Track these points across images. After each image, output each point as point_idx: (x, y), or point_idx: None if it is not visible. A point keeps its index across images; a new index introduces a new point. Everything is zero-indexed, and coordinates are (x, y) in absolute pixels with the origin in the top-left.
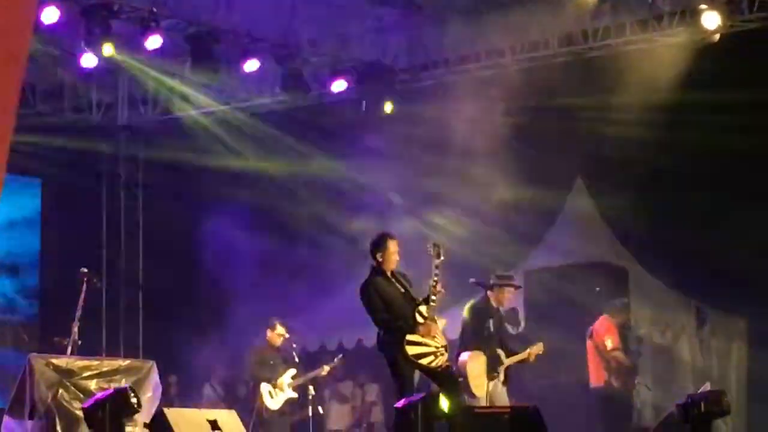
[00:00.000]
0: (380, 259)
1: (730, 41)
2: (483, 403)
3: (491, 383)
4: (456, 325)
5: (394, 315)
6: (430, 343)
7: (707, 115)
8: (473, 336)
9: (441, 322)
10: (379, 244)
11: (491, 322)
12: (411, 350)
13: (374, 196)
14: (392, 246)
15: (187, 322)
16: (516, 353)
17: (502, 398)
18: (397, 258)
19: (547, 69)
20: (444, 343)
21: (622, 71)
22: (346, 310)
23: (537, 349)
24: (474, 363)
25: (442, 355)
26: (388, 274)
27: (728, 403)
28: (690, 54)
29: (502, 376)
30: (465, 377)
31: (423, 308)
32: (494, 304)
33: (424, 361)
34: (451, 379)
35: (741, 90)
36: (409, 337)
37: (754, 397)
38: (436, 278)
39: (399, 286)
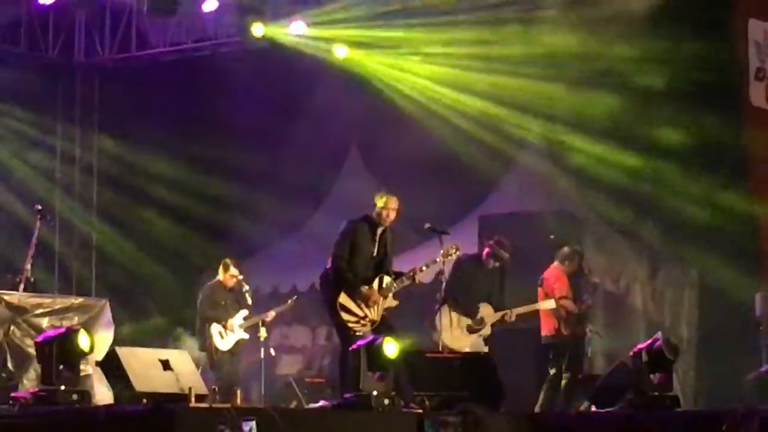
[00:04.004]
0: (376, 210)
1: None
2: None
3: (473, 337)
4: None
5: (353, 262)
6: (363, 308)
7: (661, 60)
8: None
9: (391, 303)
10: (381, 197)
11: (480, 276)
12: (342, 299)
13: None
14: (391, 203)
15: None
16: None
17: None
18: (392, 217)
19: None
20: (375, 318)
21: (578, 19)
22: (301, 253)
23: (546, 304)
24: (443, 317)
25: (364, 326)
26: (379, 229)
27: (672, 352)
28: (650, 3)
29: (487, 331)
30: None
31: (387, 279)
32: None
33: (344, 316)
34: (388, 329)
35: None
36: (348, 290)
37: (704, 346)
38: (426, 267)
39: (378, 247)
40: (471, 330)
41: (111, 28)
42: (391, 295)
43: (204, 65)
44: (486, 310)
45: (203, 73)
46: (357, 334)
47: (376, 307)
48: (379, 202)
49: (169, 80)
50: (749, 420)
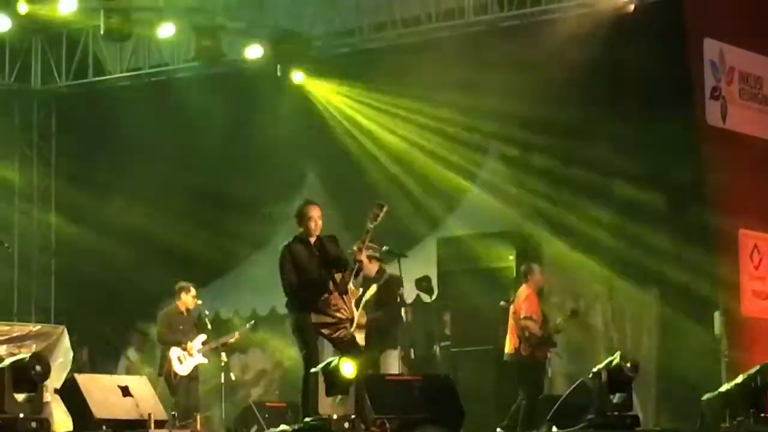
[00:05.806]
0: (301, 227)
1: (644, 11)
2: None
3: None
4: None
5: (304, 281)
6: (334, 314)
7: (620, 85)
8: None
9: (356, 294)
10: (299, 211)
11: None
12: (314, 318)
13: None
14: (311, 212)
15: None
16: None
17: None
18: (319, 224)
19: (462, 37)
20: (349, 315)
21: (536, 39)
22: (261, 277)
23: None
24: None
25: (343, 328)
26: (311, 241)
27: (630, 372)
28: (605, 23)
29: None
30: None
31: (338, 276)
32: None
33: (324, 331)
34: (353, 348)
35: (652, 60)
36: (313, 308)
37: (665, 365)
38: (361, 244)
39: (318, 254)
40: None
41: (67, 55)
42: (350, 287)
43: (161, 90)
44: None
45: (160, 99)
46: (343, 338)
47: (345, 306)
48: (299, 214)
49: (126, 106)
50: None
